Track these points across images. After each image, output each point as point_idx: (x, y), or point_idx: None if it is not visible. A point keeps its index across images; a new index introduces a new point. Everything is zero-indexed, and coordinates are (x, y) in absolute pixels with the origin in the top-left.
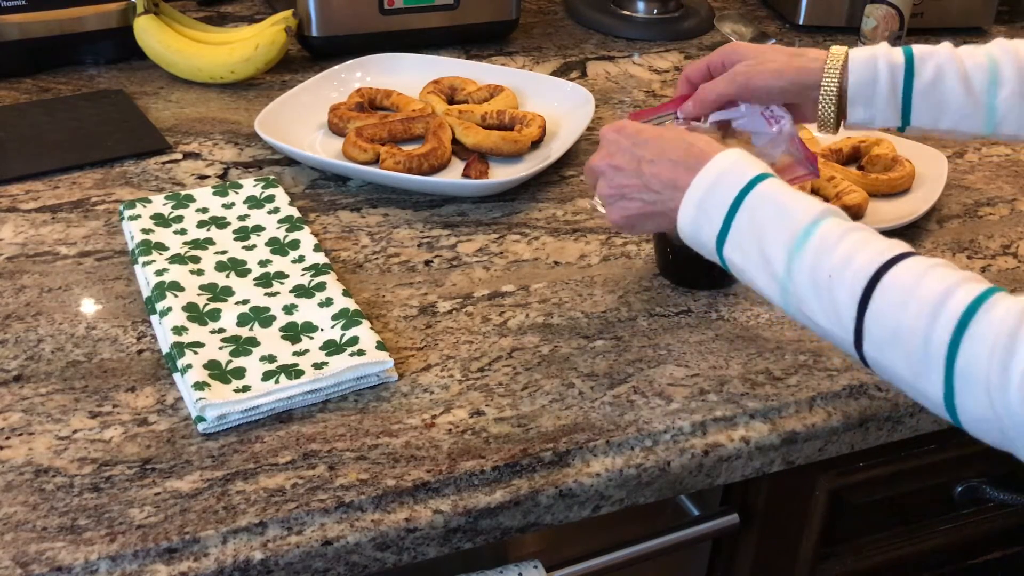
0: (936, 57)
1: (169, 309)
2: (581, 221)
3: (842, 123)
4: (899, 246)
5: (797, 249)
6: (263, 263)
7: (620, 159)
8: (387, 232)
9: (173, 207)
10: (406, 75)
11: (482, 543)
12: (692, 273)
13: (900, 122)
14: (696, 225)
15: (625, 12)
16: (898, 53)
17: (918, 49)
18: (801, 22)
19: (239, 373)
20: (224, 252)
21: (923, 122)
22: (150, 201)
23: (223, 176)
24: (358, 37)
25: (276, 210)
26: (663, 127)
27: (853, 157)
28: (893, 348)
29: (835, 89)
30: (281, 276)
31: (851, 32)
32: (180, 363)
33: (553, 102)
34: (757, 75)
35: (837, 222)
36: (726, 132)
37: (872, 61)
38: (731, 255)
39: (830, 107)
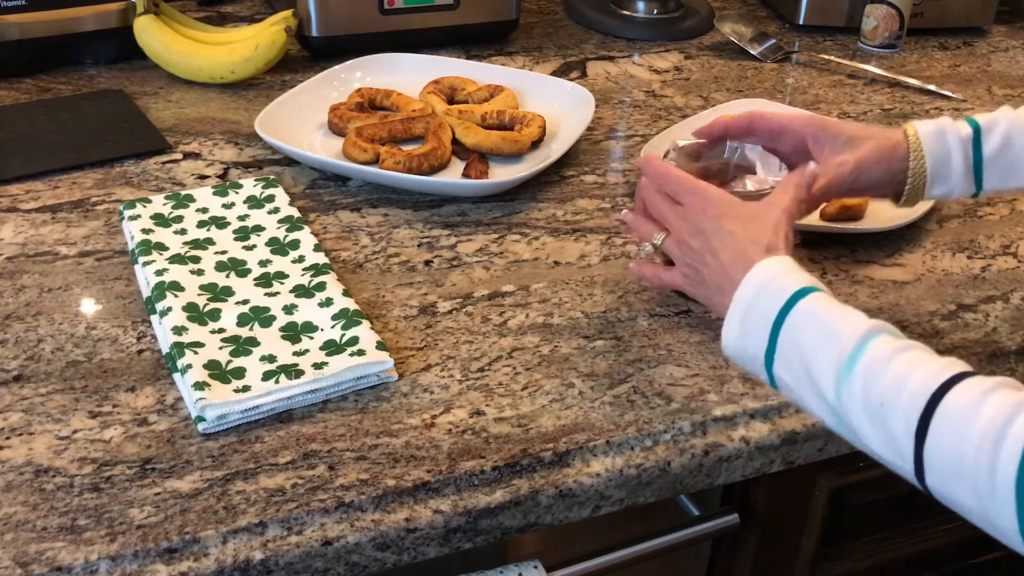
0: (999, 124)
1: (169, 309)
2: (581, 221)
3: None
4: (953, 366)
5: (845, 374)
6: (263, 263)
7: (694, 239)
8: (387, 232)
9: (173, 207)
10: (406, 75)
11: (482, 543)
12: None
13: (974, 190)
14: (741, 343)
15: (625, 12)
16: (964, 126)
17: (981, 120)
18: (801, 22)
19: (239, 373)
20: (224, 252)
21: (994, 185)
22: (150, 201)
23: (223, 176)
24: (358, 37)
25: (276, 210)
26: (745, 207)
27: None
28: (957, 481)
29: (923, 168)
30: (281, 276)
31: (851, 32)
32: (180, 363)
33: (553, 102)
34: (829, 119)
35: (886, 340)
36: (729, 164)
37: (942, 137)
38: (780, 374)
39: (920, 183)
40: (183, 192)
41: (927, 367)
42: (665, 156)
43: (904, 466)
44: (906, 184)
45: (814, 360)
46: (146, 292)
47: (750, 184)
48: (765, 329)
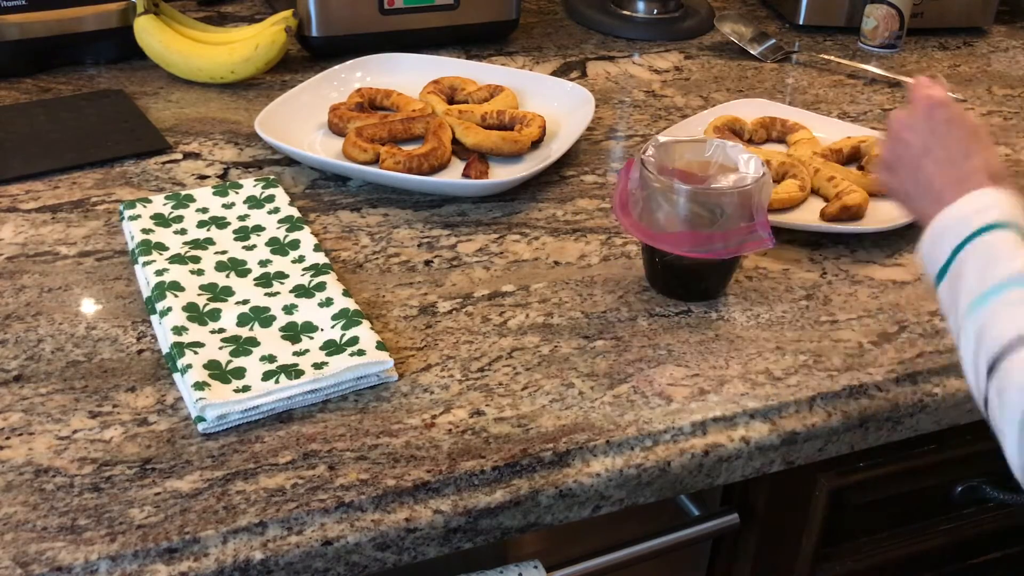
0: None
1: (169, 309)
2: (581, 221)
3: None
4: None
5: (977, 304)
6: (263, 263)
7: (912, 135)
8: (387, 232)
9: (173, 207)
10: (406, 75)
11: (482, 543)
12: (679, 285)
13: None
14: (928, 250)
15: (625, 12)
16: None
17: None
18: (801, 22)
19: (239, 373)
20: (224, 252)
21: None
22: (150, 201)
23: (223, 176)
24: (358, 37)
25: (276, 210)
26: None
27: (853, 157)
28: (1007, 426)
29: None
30: (281, 276)
31: (851, 32)
32: (180, 363)
33: (553, 102)
34: None
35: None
36: (710, 163)
37: None
38: (942, 294)
39: None
40: (183, 192)
41: None
42: (644, 152)
43: (979, 396)
44: None
45: (963, 286)
46: (146, 292)
47: (731, 179)
48: (946, 253)
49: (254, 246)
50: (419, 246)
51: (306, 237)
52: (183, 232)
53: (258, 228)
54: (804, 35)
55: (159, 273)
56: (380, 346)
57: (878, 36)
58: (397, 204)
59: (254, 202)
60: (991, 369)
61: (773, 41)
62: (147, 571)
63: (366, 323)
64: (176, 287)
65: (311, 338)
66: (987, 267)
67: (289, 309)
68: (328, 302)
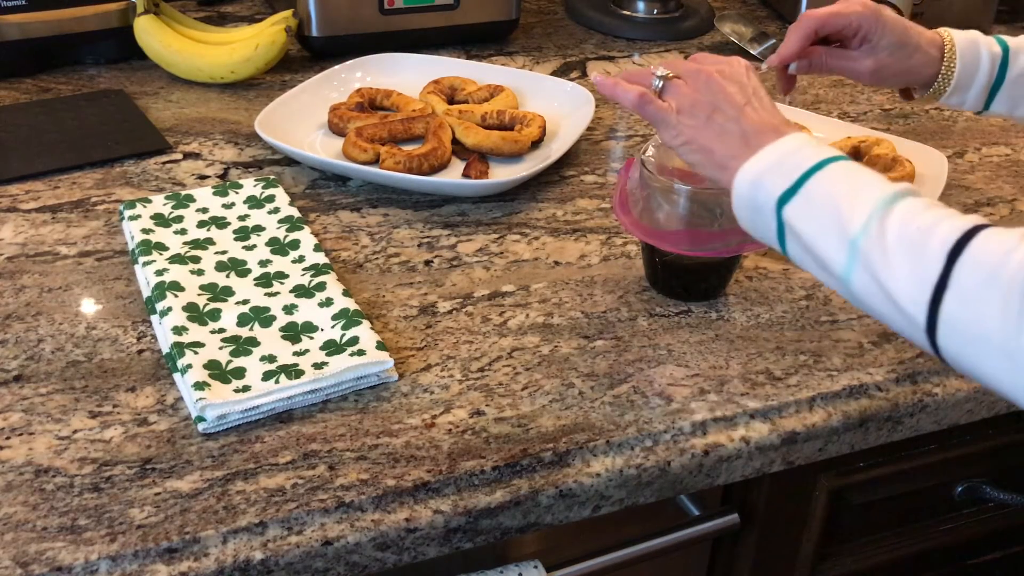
0: None
1: (169, 309)
2: (581, 221)
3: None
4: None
5: (884, 206)
6: (263, 263)
7: (733, 86)
8: (387, 232)
9: (173, 207)
10: (406, 75)
11: (482, 543)
12: (679, 285)
13: (982, 107)
14: (758, 180)
15: (625, 12)
16: (995, 44)
17: (1011, 42)
18: None
19: (239, 373)
20: (224, 252)
21: (999, 110)
22: (150, 201)
23: (223, 176)
24: (358, 37)
25: (276, 210)
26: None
27: (853, 157)
28: (986, 296)
29: (955, 73)
30: (281, 276)
31: None
32: (180, 363)
33: (553, 102)
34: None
35: (925, 199)
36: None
37: (975, 49)
38: (792, 214)
39: (946, 87)
40: (183, 192)
41: (967, 216)
42: (644, 152)
43: (920, 293)
44: (918, 88)
45: (849, 198)
46: (146, 292)
47: None
48: (795, 174)
49: (254, 246)
50: (419, 246)
51: (306, 237)
52: (183, 232)
53: (258, 228)
54: None
55: (159, 273)
56: (380, 346)
57: None
58: (397, 204)
59: (254, 202)
60: (956, 248)
61: (773, 41)
62: (147, 571)
63: (366, 323)
64: (176, 287)
65: (311, 338)
66: (870, 185)
67: (289, 309)
68: (328, 302)
